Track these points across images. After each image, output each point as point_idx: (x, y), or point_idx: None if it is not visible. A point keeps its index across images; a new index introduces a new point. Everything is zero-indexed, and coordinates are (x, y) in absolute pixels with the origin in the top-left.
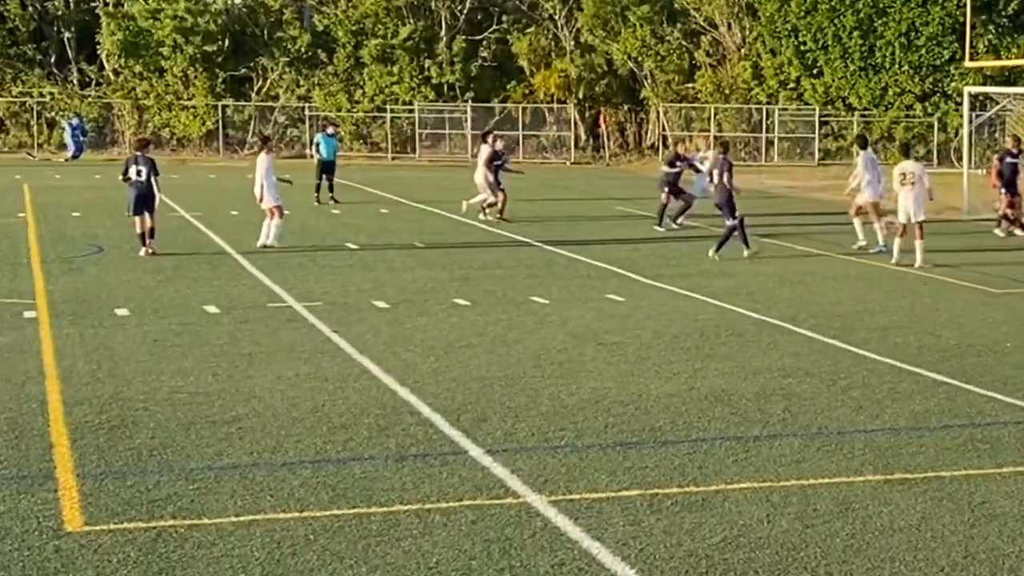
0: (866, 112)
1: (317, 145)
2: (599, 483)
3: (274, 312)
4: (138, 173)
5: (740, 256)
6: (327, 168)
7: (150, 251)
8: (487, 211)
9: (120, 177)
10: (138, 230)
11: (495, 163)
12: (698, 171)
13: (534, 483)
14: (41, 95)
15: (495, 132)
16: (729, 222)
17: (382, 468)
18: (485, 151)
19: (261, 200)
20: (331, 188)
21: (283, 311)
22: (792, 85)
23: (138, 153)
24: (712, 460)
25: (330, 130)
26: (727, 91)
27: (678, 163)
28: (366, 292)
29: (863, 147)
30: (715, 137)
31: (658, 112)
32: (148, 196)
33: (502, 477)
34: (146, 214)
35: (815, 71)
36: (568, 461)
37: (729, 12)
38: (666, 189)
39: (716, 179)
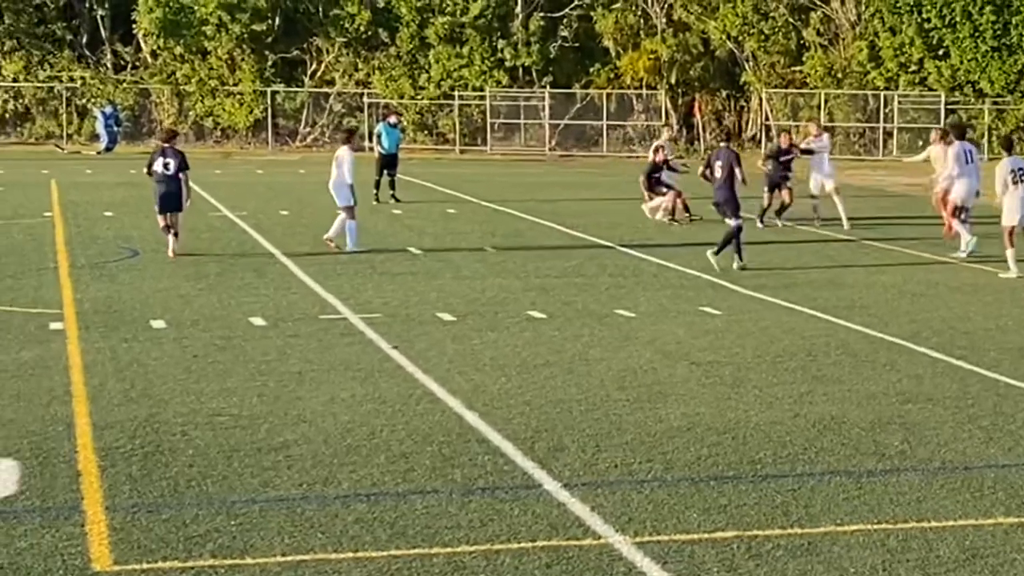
0: (999, 99)
1: (378, 137)
2: (691, 523)
3: (327, 325)
4: (165, 167)
5: (851, 263)
6: (388, 162)
7: (172, 255)
8: (670, 218)
9: (145, 171)
10: (162, 224)
11: (653, 175)
12: (809, 152)
13: (617, 522)
14: (71, 80)
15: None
16: (732, 222)
17: (446, 503)
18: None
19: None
20: (392, 185)
21: (337, 324)
22: (914, 68)
23: (165, 145)
24: (820, 498)
25: (392, 120)
26: (839, 75)
27: (782, 157)
28: (430, 303)
29: (960, 136)
30: (825, 127)
31: (761, 99)
32: (177, 193)
33: (581, 515)
34: (173, 213)
35: (941, 52)
36: (656, 497)
37: None
38: (767, 189)
39: (719, 173)
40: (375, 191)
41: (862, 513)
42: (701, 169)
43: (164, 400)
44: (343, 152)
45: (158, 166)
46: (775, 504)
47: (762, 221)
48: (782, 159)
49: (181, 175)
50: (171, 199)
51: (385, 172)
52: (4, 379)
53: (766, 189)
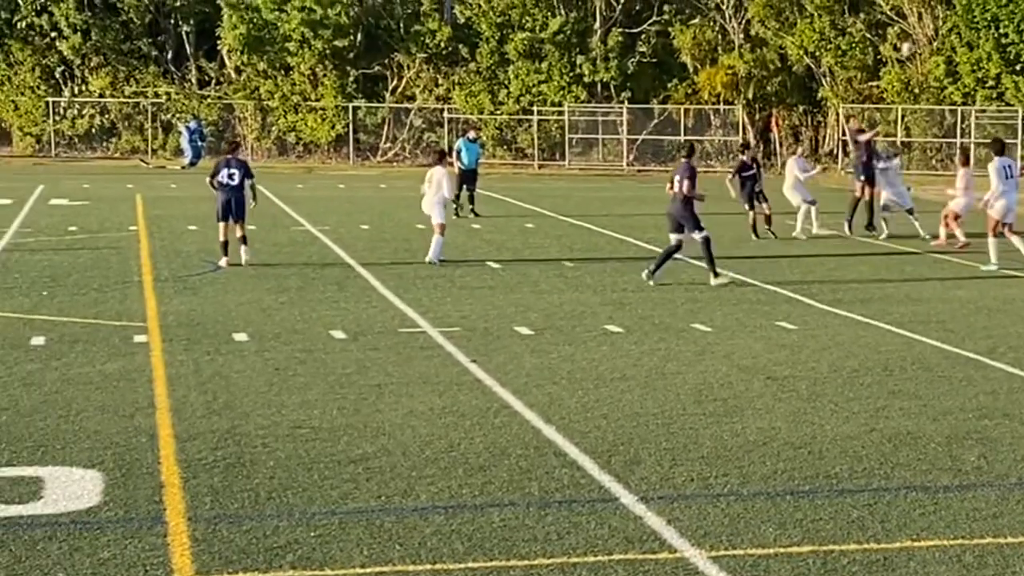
0: None
1: (458, 152)
2: (766, 537)
3: (407, 338)
4: (230, 177)
5: (927, 278)
6: (468, 178)
7: (244, 261)
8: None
9: (208, 180)
10: (222, 238)
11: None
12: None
13: (693, 536)
14: (156, 95)
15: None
16: (697, 235)
17: (523, 516)
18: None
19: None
20: (472, 200)
21: (416, 337)
22: (991, 83)
23: (230, 156)
24: (896, 513)
25: (471, 135)
26: (916, 90)
27: (860, 137)
28: (508, 317)
29: (999, 152)
30: (901, 142)
31: (837, 114)
32: (241, 202)
33: (657, 528)
34: (233, 221)
35: (1018, 67)
36: (731, 511)
37: (919, 0)
38: (861, 179)
39: (676, 187)
40: (455, 206)
41: (938, 528)
42: (668, 185)
43: (246, 412)
44: (438, 171)
45: (223, 176)
46: (851, 519)
47: (870, 225)
48: (859, 139)
49: (246, 183)
50: (236, 208)
51: (465, 187)
52: (89, 391)
53: (861, 179)
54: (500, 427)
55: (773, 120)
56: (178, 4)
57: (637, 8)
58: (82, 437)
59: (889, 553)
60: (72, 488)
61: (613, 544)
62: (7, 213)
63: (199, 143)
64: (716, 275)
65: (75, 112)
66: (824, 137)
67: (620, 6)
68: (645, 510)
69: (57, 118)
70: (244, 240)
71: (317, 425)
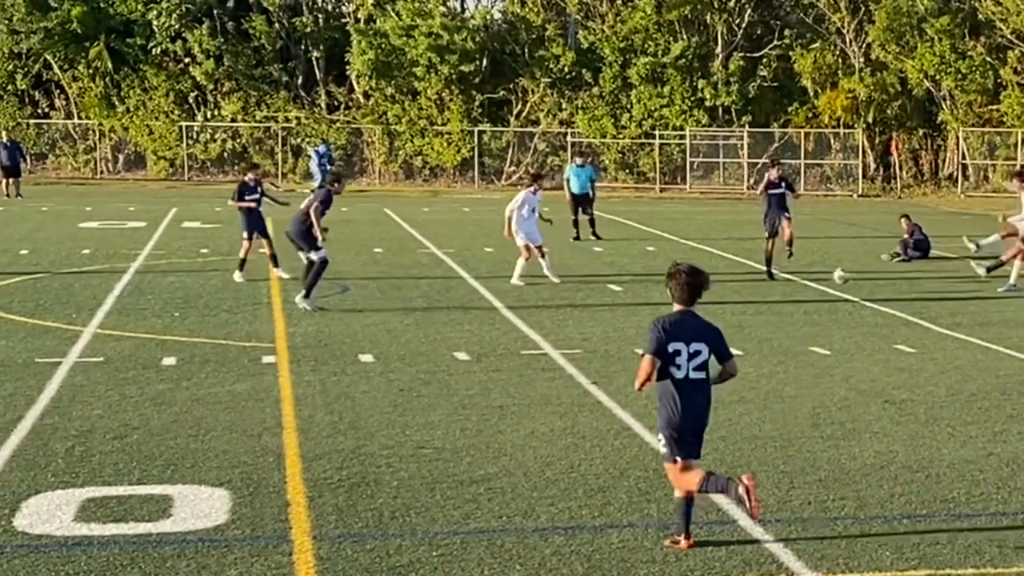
0: None
1: (567, 179)
2: (883, 561)
3: (529, 360)
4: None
5: None
6: (581, 202)
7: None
8: None
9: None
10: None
11: None
12: None
13: (810, 558)
14: (286, 120)
15: None
16: (315, 255)
17: (642, 537)
18: None
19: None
20: (592, 223)
21: (539, 359)
22: None
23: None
24: (1013, 537)
25: (578, 161)
26: None
27: None
28: (629, 339)
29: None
30: (1021, 166)
31: (958, 138)
32: (263, 220)
33: (774, 551)
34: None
35: None
36: (848, 534)
37: None
38: None
39: (303, 205)
40: (575, 230)
41: None
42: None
43: (371, 432)
44: (521, 193)
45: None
46: (968, 543)
47: None
48: None
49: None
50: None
51: (581, 211)
52: (218, 410)
53: None
54: (620, 449)
55: (893, 144)
56: (308, 30)
57: (758, 32)
58: (211, 456)
59: None
60: (200, 506)
61: (731, 566)
62: (141, 235)
63: (328, 166)
64: (306, 298)
65: (207, 136)
66: (944, 161)
67: (741, 31)
68: (763, 532)
69: (190, 142)
70: (273, 256)
71: (440, 445)
